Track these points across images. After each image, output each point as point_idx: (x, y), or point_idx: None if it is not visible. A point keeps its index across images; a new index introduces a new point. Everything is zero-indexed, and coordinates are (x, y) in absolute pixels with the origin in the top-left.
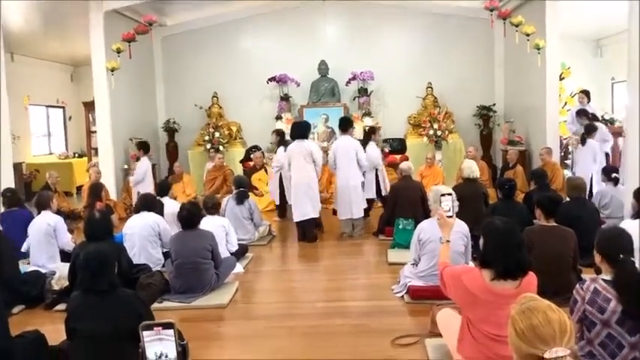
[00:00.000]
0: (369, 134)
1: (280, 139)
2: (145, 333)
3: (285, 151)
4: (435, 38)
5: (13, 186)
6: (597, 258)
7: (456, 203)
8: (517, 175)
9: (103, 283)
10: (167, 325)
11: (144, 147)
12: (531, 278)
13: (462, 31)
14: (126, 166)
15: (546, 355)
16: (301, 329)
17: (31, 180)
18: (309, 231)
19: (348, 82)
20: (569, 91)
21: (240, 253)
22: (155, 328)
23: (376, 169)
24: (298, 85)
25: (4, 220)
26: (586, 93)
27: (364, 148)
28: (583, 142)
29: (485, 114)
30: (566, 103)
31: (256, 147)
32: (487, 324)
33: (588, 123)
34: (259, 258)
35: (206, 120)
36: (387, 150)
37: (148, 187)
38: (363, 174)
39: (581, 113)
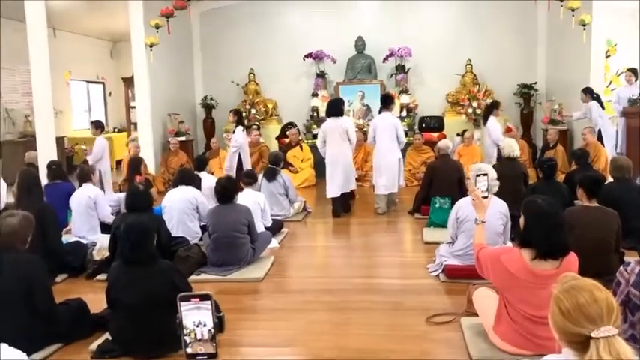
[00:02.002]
0: (491, 108)
1: (238, 119)
2: (183, 303)
3: (243, 130)
4: (476, 14)
5: (102, 158)
6: None
7: (495, 183)
8: (558, 155)
9: (143, 254)
10: (204, 297)
11: (100, 126)
12: (572, 258)
13: (504, 7)
14: (84, 147)
15: (594, 334)
16: (336, 304)
17: (72, 154)
18: (346, 202)
19: (386, 59)
20: (615, 70)
21: (276, 228)
22: (193, 299)
23: (497, 145)
24: (334, 61)
25: (47, 193)
26: (633, 71)
27: (484, 122)
28: None
29: (526, 92)
30: (611, 82)
31: (292, 124)
32: (526, 304)
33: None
34: (294, 234)
35: (243, 97)
36: (509, 125)
37: (105, 165)
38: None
39: (586, 91)
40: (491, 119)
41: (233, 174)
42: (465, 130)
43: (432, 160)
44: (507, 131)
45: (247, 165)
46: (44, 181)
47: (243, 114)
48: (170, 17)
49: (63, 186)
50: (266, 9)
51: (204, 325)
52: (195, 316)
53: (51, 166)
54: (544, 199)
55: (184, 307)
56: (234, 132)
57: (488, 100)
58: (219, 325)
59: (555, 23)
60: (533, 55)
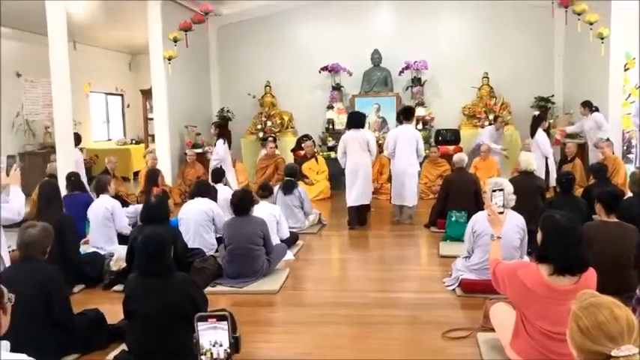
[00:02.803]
0: (539, 120)
1: (220, 132)
2: (200, 323)
3: (224, 143)
4: (492, 26)
5: (74, 170)
6: None
7: (512, 197)
8: (575, 168)
9: (160, 266)
10: (221, 317)
11: (76, 139)
12: (591, 274)
13: (521, 19)
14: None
15: (614, 353)
16: (352, 318)
17: (90, 165)
18: (361, 215)
19: (401, 72)
20: (634, 83)
21: (291, 241)
22: (210, 319)
23: (546, 158)
24: (350, 74)
25: (66, 203)
26: None
27: (532, 135)
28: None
29: (543, 105)
30: (630, 95)
31: (307, 136)
32: (543, 320)
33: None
34: (309, 246)
35: (259, 109)
36: (557, 137)
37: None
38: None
39: (586, 104)
40: (540, 132)
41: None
42: (497, 116)
43: (448, 173)
44: (557, 143)
45: (231, 179)
46: (63, 192)
47: (259, 126)
48: (188, 31)
49: (81, 197)
50: (283, 23)
51: (221, 345)
52: (211, 336)
53: (70, 177)
54: (562, 214)
55: (201, 327)
56: (215, 145)
57: (535, 113)
58: (235, 345)
59: (573, 36)
60: (551, 68)
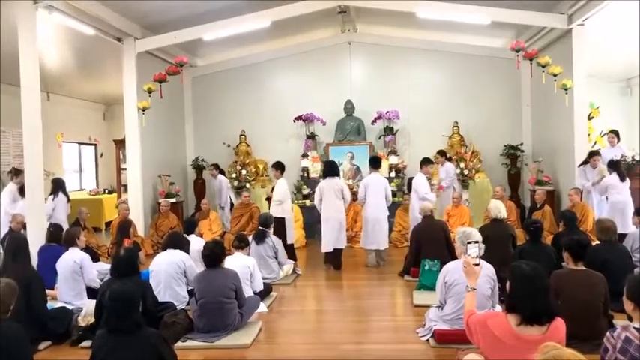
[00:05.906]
0: (617, 165)
1: (54, 188)
2: None
3: (53, 200)
4: (462, 78)
5: (45, 221)
6: (629, 306)
7: (481, 245)
8: (545, 215)
9: (128, 323)
10: None
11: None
12: (559, 324)
13: (489, 71)
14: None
15: None
16: None
17: None
18: (337, 259)
19: (374, 121)
20: (599, 131)
21: (265, 292)
22: None
23: None
24: (324, 124)
25: (41, 254)
26: (615, 133)
27: (623, 179)
28: None
29: (512, 153)
30: (595, 143)
31: None
32: None
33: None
34: (283, 297)
35: (234, 158)
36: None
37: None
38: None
39: (441, 154)
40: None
41: None
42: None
43: (418, 223)
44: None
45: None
46: (38, 243)
47: (234, 175)
48: (163, 82)
49: (57, 249)
50: (257, 73)
51: None
52: None
53: (49, 228)
54: (528, 263)
55: None
56: (53, 200)
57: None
58: None
59: (539, 87)
60: (519, 118)
